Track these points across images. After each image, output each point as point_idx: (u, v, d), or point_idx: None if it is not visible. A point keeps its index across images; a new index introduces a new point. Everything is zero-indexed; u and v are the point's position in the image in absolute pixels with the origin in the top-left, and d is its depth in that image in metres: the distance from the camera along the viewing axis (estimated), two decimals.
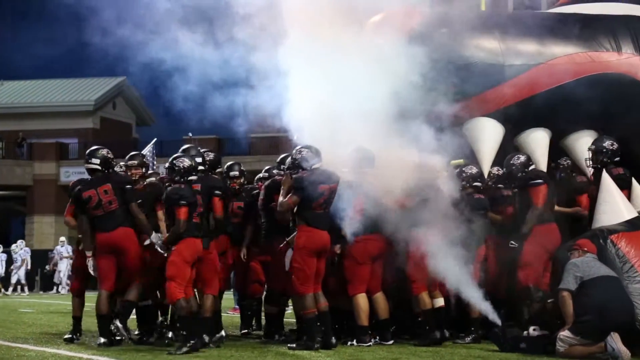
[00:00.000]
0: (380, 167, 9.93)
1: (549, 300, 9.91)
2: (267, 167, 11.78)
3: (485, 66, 10.63)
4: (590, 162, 10.38)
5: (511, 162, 10.40)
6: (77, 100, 46.17)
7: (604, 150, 10.29)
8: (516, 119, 10.72)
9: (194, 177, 9.62)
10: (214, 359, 8.78)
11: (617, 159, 10.29)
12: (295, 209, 9.53)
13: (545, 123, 10.85)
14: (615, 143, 10.31)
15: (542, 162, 10.68)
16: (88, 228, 10.05)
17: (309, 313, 9.45)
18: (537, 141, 10.82)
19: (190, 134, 16.98)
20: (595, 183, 10.26)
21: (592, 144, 10.41)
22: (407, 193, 9.85)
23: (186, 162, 9.57)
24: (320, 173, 9.57)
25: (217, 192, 9.94)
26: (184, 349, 8.97)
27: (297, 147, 9.79)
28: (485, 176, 10.65)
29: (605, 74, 10.77)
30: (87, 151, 10.29)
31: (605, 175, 10.03)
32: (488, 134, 10.73)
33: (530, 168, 10.36)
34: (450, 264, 9.68)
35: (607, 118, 10.71)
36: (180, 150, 10.37)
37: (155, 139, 16.83)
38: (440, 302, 10.07)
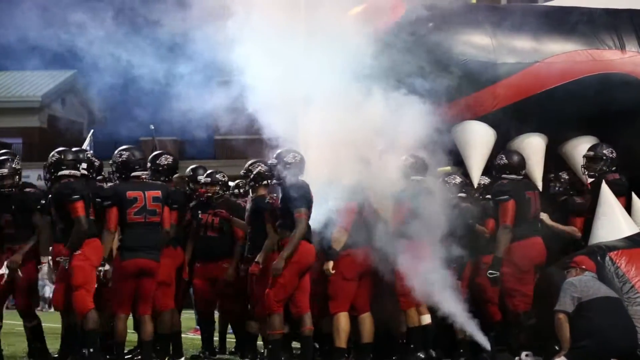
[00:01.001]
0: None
1: (529, 321, 10.03)
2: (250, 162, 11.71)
3: (475, 64, 10.63)
4: (586, 171, 10.43)
5: (494, 161, 10.44)
6: (21, 96, 45.83)
7: (604, 157, 10.32)
8: (510, 123, 10.73)
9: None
10: None
11: (614, 168, 10.34)
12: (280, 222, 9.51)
13: (542, 128, 10.86)
14: (614, 151, 10.35)
15: (537, 170, 10.70)
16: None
17: (277, 334, 9.40)
18: (533, 147, 10.82)
19: (152, 126, 16.81)
20: (592, 193, 10.30)
21: (590, 150, 10.43)
22: (395, 201, 9.91)
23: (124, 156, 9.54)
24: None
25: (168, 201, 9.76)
26: None
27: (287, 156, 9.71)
28: (475, 184, 10.65)
29: (608, 74, 10.78)
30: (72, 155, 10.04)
31: (604, 187, 10.06)
32: (479, 139, 10.72)
33: (503, 176, 10.31)
34: (437, 281, 9.70)
35: (609, 123, 10.74)
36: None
37: (92, 130, 16.63)
38: (427, 319, 10.03)
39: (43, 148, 39.69)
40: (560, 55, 10.86)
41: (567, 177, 10.89)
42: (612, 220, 9.87)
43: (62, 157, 9.49)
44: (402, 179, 10.05)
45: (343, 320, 9.75)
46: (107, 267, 9.16)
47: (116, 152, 9.74)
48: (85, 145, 14.71)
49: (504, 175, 10.33)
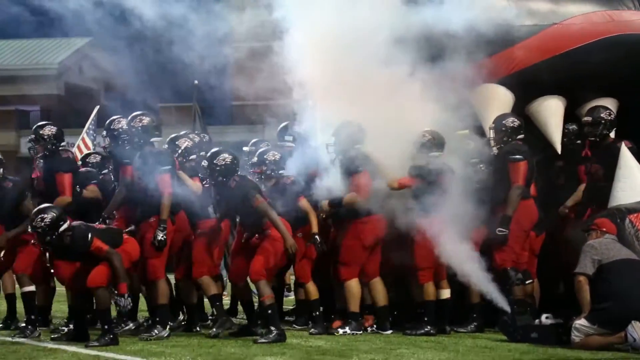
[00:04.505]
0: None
1: (527, 282, 10.05)
2: (254, 140, 11.65)
3: (494, 27, 10.55)
4: (588, 135, 10.27)
5: (503, 121, 10.33)
6: (39, 64, 45.88)
7: (603, 121, 10.22)
8: (528, 86, 10.66)
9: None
10: (193, 347, 8.81)
11: (614, 130, 10.26)
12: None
13: (560, 90, 10.78)
14: (612, 113, 10.28)
15: (556, 132, 10.64)
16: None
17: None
18: (551, 110, 10.78)
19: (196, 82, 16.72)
20: (594, 157, 10.24)
21: (587, 114, 10.28)
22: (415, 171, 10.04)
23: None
24: None
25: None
26: None
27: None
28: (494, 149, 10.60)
29: (627, 35, 10.69)
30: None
31: (624, 150, 9.97)
32: (497, 102, 10.69)
33: (519, 137, 10.28)
34: (457, 246, 9.78)
35: (628, 85, 10.65)
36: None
37: (97, 107, 16.58)
38: (446, 293, 10.17)
39: (61, 115, 39.81)
40: (578, 17, 10.82)
41: (574, 127, 10.81)
42: (632, 183, 9.79)
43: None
44: (419, 155, 10.12)
45: (355, 286, 10.00)
46: None
47: (131, 117, 9.79)
48: (90, 122, 14.71)
49: (518, 137, 10.26)
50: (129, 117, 9.99)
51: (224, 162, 9.61)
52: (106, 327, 9.17)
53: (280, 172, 10.07)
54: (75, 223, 9.26)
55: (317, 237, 9.87)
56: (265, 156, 10.10)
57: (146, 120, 9.92)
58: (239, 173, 9.80)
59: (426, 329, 9.85)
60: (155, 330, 9.53)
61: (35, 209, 9.31)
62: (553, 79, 10.66)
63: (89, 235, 9.09)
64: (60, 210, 9.27)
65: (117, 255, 9.13)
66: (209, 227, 10.03)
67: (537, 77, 10.64)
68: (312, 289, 10.18)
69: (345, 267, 10.01)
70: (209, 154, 9.82)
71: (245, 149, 11.66)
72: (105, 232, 9.36)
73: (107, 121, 10.55)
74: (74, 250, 9.17)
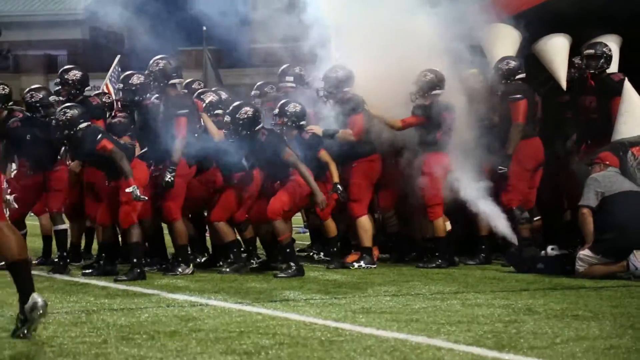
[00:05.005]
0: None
1: (535, 219, 10.06)
2: (259, 84, 11.56)
3: None
4: (587, 69, 10.29)
5: (499, 65, 10.32)
6: (64, 9, 45.73)
7: (605, 55, 10.21)
8: (534, 24, 10.56)
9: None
10: (216, 282, 8.90)
11: (611, 65, 10.25)
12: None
13: (565, 28, 10.68)
14: (611, 49, 10.24)
15: (562, 69, 10.56)
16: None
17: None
18: (557, 48, 10.69)
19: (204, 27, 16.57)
20: (596, 90, 10.23)
21: (589, 48, 10.29)
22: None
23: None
24: None
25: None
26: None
27: None
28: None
29: None
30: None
31: (627, 85, 9.96)
32: (504, 41, 10.62)
33: (517, 77, 10.26)
34: (467, 179, 9.84)
35: (633, 21, 10.54)
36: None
37: (119, 56, 16.43)
38: (448, 225, 10.20)
39: (87, 59, 39.79)
40: None
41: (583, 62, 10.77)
42: (635, 117, 9.76)
43: None
44: (421, 93, 10.09)
45: (366, 221, 10.06)
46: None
47: (152, 61, 9.74)
48: (112, 69, 14.62)
49: (517, 77, 10.24)
50: (150, 62, 9.93)
51: (246, 115, 9.52)
52: (135, 261, 9.27)
53: (301, 123, 9.97)
54: (92, 124, 9.39)
55: (338, 186, 9.81)
56: (286, 108, 9.93)
57: (163, 63, 9.82)
58: (263, 125, 9.71)
59: (438, 262, 9.89)
60: (179, 269, 9.60)
61: (62, 105, 9.54)
62: (558, 17, 10.58)
63: (100, 135, 9.20)
64: (83, 110, 9.41)
65: (121, 154, 9.15)
66: (240, 178, 9.99)
67: (543, 15, 10.55)
68: (332, 226, 10.17)
69: (357, 204, 10.04)
70: (230, 109, 9.67)
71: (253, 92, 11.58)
72: (118, 143, 9.41)
73: (122, 76, 10.50)
74: (83, 147, 9.28)
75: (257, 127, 9.53)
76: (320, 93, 10.20)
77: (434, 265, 9.86)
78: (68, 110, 9.27)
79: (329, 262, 10.23)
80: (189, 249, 9.97)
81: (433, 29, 10.25)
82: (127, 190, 8.99)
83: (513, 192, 10.11)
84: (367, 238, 10.06)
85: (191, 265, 9.73)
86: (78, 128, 9.19)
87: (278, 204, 9.52)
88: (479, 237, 10.36)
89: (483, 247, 10.35)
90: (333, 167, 9.80)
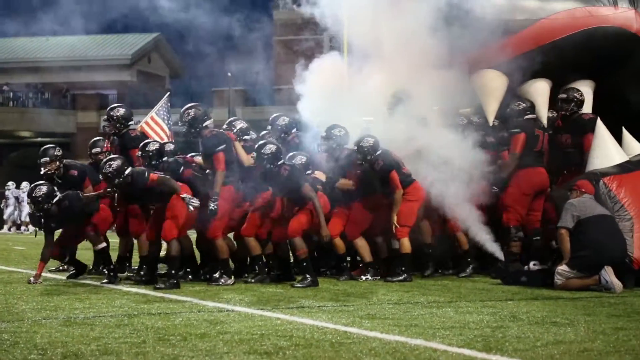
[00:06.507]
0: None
1: (535, 238, 10.01)
2: (273, 116, 11.44)
3: (493, 21, 10.49)
4: (560, 110, 10.38)
5: (511, 106, 10.39)
6: (116, 55, 46.08)
7: (575, 99, 10.26)
8: (520, 70, 10.56)
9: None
10: (241, 290, 8.87)
11: (582, 108, 10.28)
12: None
13: (547, 74, 10.67)
14: (583, 94, 10.28)
15: (543, 110, 10.54)
16: None
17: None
18: (539, 90, 10.68)
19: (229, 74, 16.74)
20: (564, 129, 10.29)
21: (563, 92, 10.36)
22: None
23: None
24: None
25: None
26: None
27: None
28: (490, 123, 10.58)
29: (603, 27, 10.55)
30: None
31: (599, 123, 9.99)
32: (493, 85, 10.62)
33: (527, 117, 10.27)
34: (463, 203, 9.83)
35: (604, 69, 10.53)
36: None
37: (168, 93, 16.42)
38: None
39: (133, 98, 40.00)
40: (562, 12, 10.69)
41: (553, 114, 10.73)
42: (605, 151, 9.77)
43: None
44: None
45: (361, 242, 10.04)
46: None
47: (183, 110, 9.67)
48: (161, 104, 14.64)
49: (527, 117, 10.32)
50: (181, 111, 9.78)
51: (270, 151, 9.56)
52: (172, 272, 9.24)
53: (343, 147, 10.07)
54: (135, 168, 9.43)
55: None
56: (332, 131, 10.04)
57: (193, 111, 9.70)
58: (285, 162, 9.66)
59: (404, 277, 9.72)
60: (222, 280, 9.53)
61: (106, 159, 9.57)
62: (541, 64, 10.57)
63: (146, 173, 9.27)
64: (124, 159, 9.47)
65: (168, 177, 9.29)
66: (264, 199, 9.88)
67: (528, 63, 10.54)
68: (339, 243, 10.10)
69: (351, 228, 10.04)
70: (257, 145, 9.66)
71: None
72: (162, 177, 9.41)
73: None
74: (136, 188, 9.29)
75: (279, 162, 9.54)
76: (320, 148, 10.16)
77: (400, 278, 9.69)
78: (112, 162, 9.32)
79: (339, 274, 10.19)
80: (230, 262, 9.84)
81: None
82: (182, 196, 9.10)
83: (511, 213, 10.07)
84: (367, 255, 10.03)
85: (232, 277, 9.68)
86: (125, 175, 9.25)
87: (297, 225, 9.51)
88: (464, 252, 10.31)
89: (469, 260, 10.27)
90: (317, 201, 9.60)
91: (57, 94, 43.78)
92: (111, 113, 10.42)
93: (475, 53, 10.38)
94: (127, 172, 9.27)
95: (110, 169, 9.25)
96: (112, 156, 9.60)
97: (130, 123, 10.53)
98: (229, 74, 17.36)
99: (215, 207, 9.39)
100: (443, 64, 10.27)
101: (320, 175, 10.04)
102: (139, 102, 35.25)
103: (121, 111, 10.42)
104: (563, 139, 10.28)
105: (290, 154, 10.12)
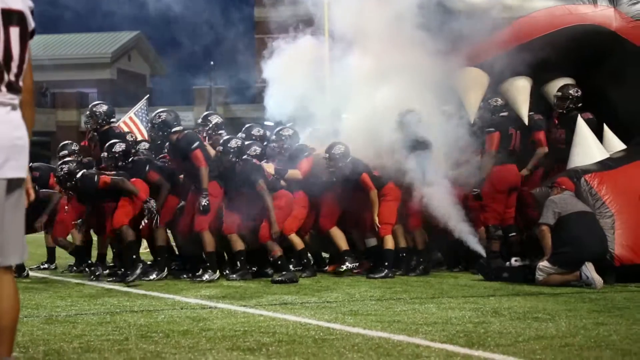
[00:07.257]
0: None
1: (510, 235, 10.20)
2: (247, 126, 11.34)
3: (474, 19, 10.51)
4: (556, 108, 10.35)
5: (486, 100, 10.45)
6: (96, 53, 45.88)
7: (570, 97, 10.23)
8: (501, 68, 10.58)
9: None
10: (223, 287, 8.85)
11: (580, 104, 10.23)
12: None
13: (527, 71, 10.69)
14: (579, 90, 10.24)
15: (523, 107, 10.57)
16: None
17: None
18: (519, 88, 10.71)
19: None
20: (561, 126, 10.25)
21: (559, 90, 10.33)
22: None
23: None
24: None
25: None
26: None
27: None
28: (471, 121, 10.58)
29: (582, 25, 10.60)
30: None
31: (580, 121, 10.00)
32: (474, 82, 10.64)
33: (501, 114, 10.31)
34: (446, 201, 9.82)
35: (583, 66, 10.58)
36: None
37: (147, 95, 16.41)
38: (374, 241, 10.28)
39: (114, 96, 39.84)
40: (542, 10, 10.72)
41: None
42: (586, 149, 9.80)
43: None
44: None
45: (336, 231, 10.17)
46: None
47: (154, 114, 9.73)
48: (140, 105, 14.58)
49: (501, 114, 10.35)
50: (152, 115, 9.89)
51: (235, 145, 9.62)
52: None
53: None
54: (84, 171, 9.60)
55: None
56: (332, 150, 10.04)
57: (164, 115, 9.71)
58: (244, 157, 9.70)
59: (385, 272, 9.74)
60: (206, 275, 9.54)
61: (60, 161, 9.89)
62: (521, 62, 10.59)
63: (95, 177, 9.46)
64: (75, 163, 9.78)
65: (121, 179, 9.43)
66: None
67: (509, 61, 10.56)
68: (296, 240, 10.08)
69: (324, 220, 10.17)
70: (223, 140, 9.77)
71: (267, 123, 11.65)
72: (115, 179, 9.49)
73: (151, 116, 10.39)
74: (87, 191, 9.52)
75: (243, 157, 9.64)
76: (326, 164, 10.04)
77: (382, 275, 9.70)
78: (64, 166, 9.68)
79: (301, 271, 10.14)
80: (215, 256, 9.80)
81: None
82: (144, 201, 9.36)
83: (489, 212, 10.13)
84: (343, 243, 10.11)
85: (217, 271, 9.66)
86: (76, 178, 9.50)
87: (266, 230, 9.61)
88: (418, 251, 10.24)
89: (421, 259, 10.22)
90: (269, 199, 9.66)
91: (36, 92, 43.61)
92: (94, 109, 10.40)
93: (477, 45, 10.43)
94: (77, 175, 9.48)
95: (62, 172, 9.63)
96: (66, 159, 9.93)
97: (112, 120, 10.49)
98: (210, 73, 17.36)
99: (207, 202, 9.39)
100: (440, 54, 10.21)
101: (269, 167, 10.02)
102: (120, 101, 35.17)
103: (104, 107, 10.40)
104: (558, 135, 10.28)
105: (246, 143, 10.08)
